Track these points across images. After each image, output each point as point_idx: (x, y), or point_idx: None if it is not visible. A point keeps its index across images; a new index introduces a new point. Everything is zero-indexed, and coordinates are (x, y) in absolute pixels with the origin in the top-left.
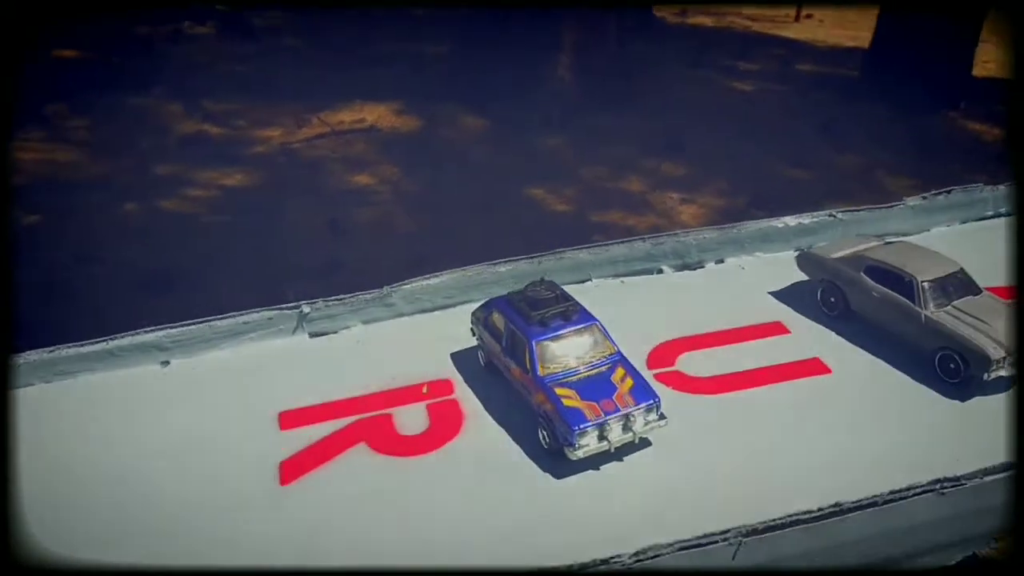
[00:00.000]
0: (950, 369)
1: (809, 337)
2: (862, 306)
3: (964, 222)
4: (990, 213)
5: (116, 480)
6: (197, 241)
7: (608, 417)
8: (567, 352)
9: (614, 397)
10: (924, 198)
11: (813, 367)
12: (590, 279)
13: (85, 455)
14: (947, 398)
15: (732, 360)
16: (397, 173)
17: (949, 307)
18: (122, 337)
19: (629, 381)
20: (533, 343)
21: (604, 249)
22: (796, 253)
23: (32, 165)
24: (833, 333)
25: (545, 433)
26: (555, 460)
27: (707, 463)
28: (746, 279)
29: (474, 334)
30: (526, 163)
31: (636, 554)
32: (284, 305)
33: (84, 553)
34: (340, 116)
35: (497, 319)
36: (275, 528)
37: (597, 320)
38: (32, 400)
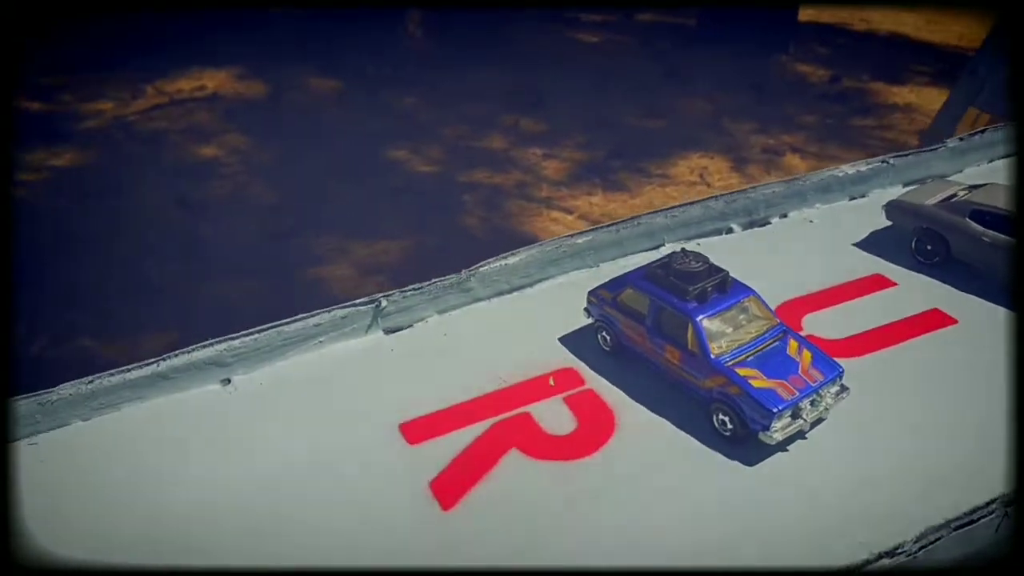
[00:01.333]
0: None
1: (917, 287)
2: (967, 252)
3: (991, 161)
4: (1000, 154)
5: (213, 534)
6: (35, 230)
7: (802, 395)
8: (733, 328)
9: (800, 373)
10: (961, 139)
11: (937, 319)
12: (663, 244)
13: (156, 501)
14: None
15: (853, 319)
16: (247, 143)
17: None
18: (175, 356)
19: (807, 353)
20: (698, 321)
21: (681, 211)
22: (859, 200)
23: None
24: (936, 281)
25: (726, 419)
26: (740, 448)
27: (891, 434)
28: (820, 232)
29: (590, 315)
30: (384, 124)
31: (918, 539)
32: (358, 301)
33: None
34: (178, 84)
35: (634, 297)
36: (452, 563)
37: (754, 290)
38: (70, 442)
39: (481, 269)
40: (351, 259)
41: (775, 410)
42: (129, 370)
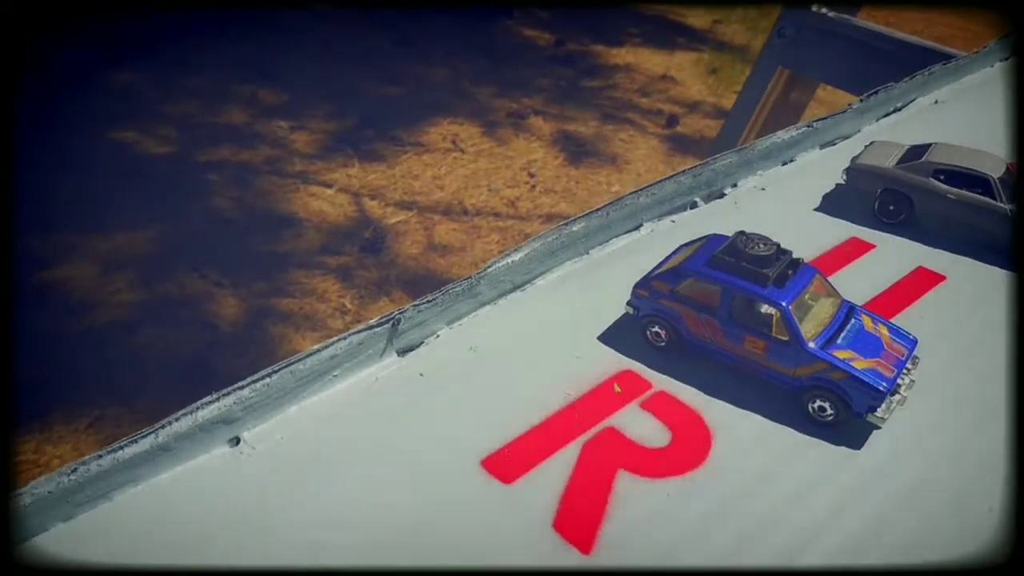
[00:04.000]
0: None
1: (894, 248)
2: (932, 210)
3: (878, 119)
4: (892, 109)
5: None
6: None
7: (899, 371)
8: (813, 310)
9: (887, 348)
10: (862, 100)
11: (927, 277)
12: (642, 224)
13: None
14: None
15: (850, 286)
16: None
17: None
18: (176, 420)
19: (883, 327)
20: (786, 307)
21: (658, 188)
22: (790, 165)
23: None
24: (907, 239)
25: (826, 404)
26: (840, 433)
27: (959, 396)
28: (776, 199)
29: (636, 310)
30: (98, 104)
31: None
32: (371, 322)
33: None
34: None
35: (698, 287)
36: None
37: (817, 269)
38: (52, 549)
39: (489, 271)
40: (91, 256)
41: (884, 390)
42: (121, 448)
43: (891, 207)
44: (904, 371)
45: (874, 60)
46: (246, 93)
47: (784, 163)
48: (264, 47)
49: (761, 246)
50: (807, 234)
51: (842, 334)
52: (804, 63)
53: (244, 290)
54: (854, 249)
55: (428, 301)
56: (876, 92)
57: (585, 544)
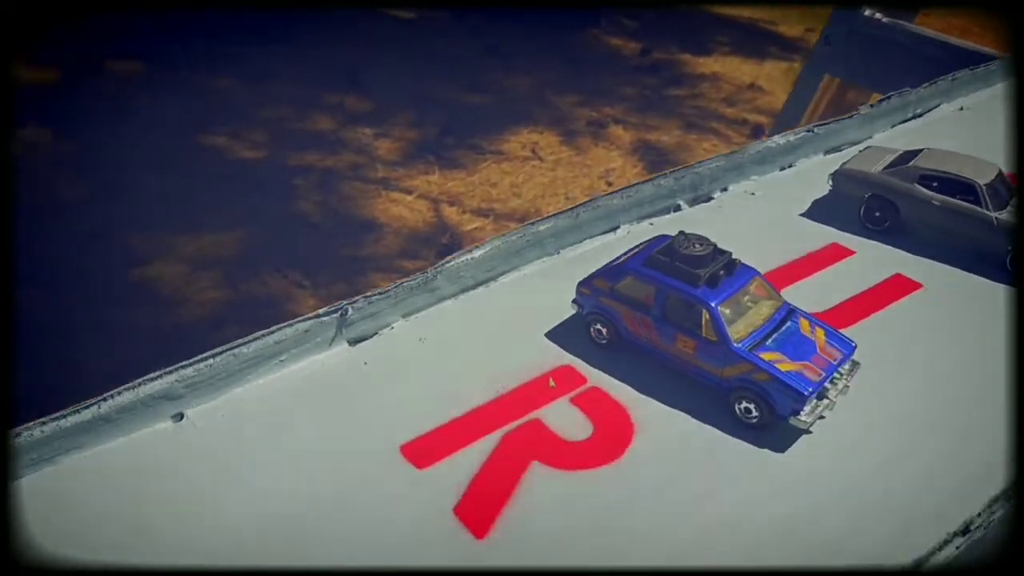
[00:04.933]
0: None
1: (874, 254)
2: (917, 216)
3: (894, 126)
4: (911, 115)
5: None
6: None
7: (827, 375)
8: (744, 311)
9: (819, 352)
10: (872, 106)
11: (903, 284)
12: (619, 226)
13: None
14: None
15: (824, 290)
16: (44, 135)
17: (1008, 208)
18: (119, 393)
19: (820, 331)
20: (714, 307)
21: (635, 190)
22: (790, 170)
23: None
24: (890, 247)
25: (751, 406)
26: (767, 434)
27: (913, 410)
28: (764, 204)
29: (580, 308)
30: (197, 108)
31: (985, 512)
32: (321, 311)
33: None
34: None
35: (636, 286)
36: None
37: (757, 270)
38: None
39: (447, 265)
40: (179, 255)
41: (807, 393)
42: (65, 416)
43: (877, 213)
44: (836, 376)
45: (930, 70)
46: (334, 101)
47: (782, 168)
48: (353, 55)
49: (697, 246)
50: (787, 239)
51: (774, 336)
52: (852, 71)
53: (324, 291)
54: (832, 254)
55: (380, 293)
56: (889, 97)
57: (481, 529)
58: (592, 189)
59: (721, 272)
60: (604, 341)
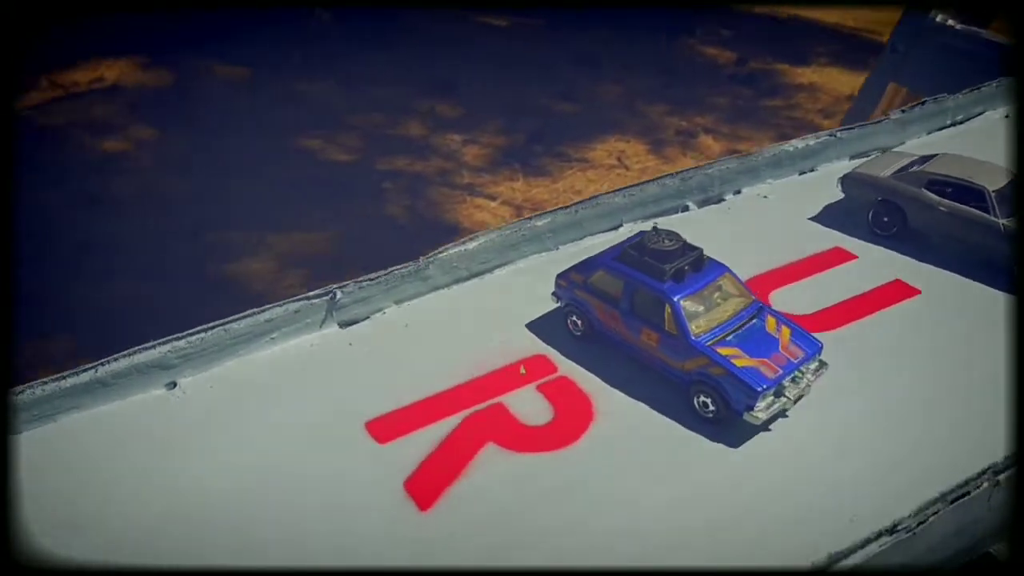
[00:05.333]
0: None
1: (876, 259)
2: (925, 222)
3: (930, 132)
4: (949, 123)
5: (167, 550)
6: None
7: (785, 373)
8: (710, 307)
9: (780, 350)
10: (903, 111)
11: (900, 290)
12: (621, 224)
13: (96, 521)
14: None
15: (818, 293)
16: (155, 135)
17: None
18: (115, 360)
19: (786, 330)
20: (676, 301)
21: (639, 190)
22: (809, 175)
23: None
24: (895, 252)
25: (708, 400)
26: (723, 429)
27: (873, 408)
28: (775, 207)
29: (559, 300)
30: (296, 112)
31: (917, 514)
32: (311, 293)
33: None
34: (74, 76)
35: (606, 279)
36: (436, 565)
37: (727, 267)
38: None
39: (440, 255)
40: (271, 253)
41: (760, 389)
42: (64, 377)
43: (885, 218)
44: (797, 374)
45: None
46: (425, 107)
47: (801, 172)
48: (447, 62)
49: (667, 242)
50: (791, 241)
51: (735, 332)
52: (919, 81)
53: None
54: (833, 258)
55: (370, 279)
56: (923, 103)
57: (426, 502)
58: None
59: (687, 268)
60: (579, 333)
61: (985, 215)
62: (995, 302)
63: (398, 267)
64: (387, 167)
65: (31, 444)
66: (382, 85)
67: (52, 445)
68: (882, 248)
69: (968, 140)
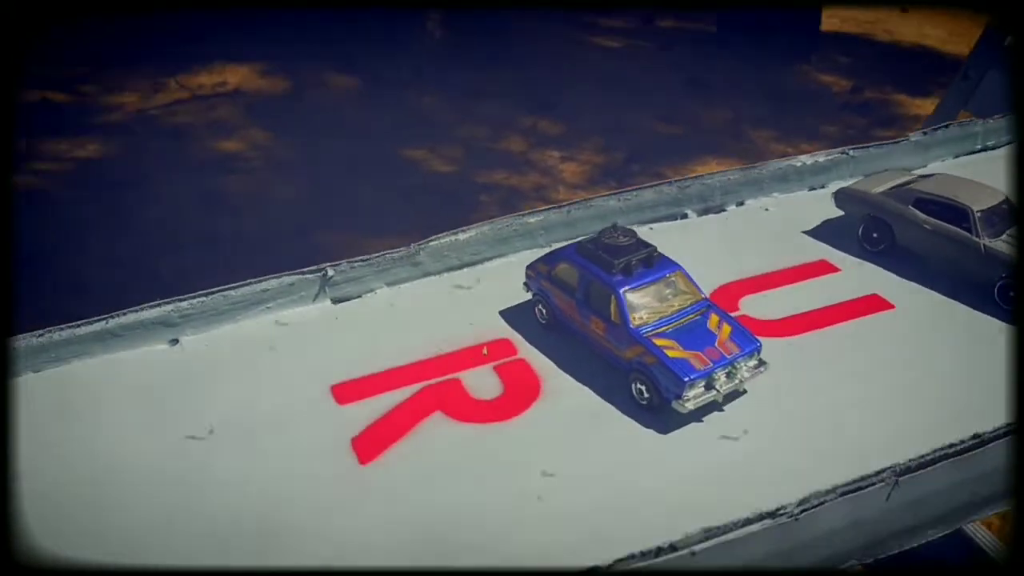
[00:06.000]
0: (1011, 298)
1: (859, 274)
2: (911, 240)
3: (957, 156)
4: (979, 147)
5: (144, 483)
6: (51, 218)
7: (715, 366)
8: (656, 300)
9: (716, 345)
10: (925, 133)
11: (875, 303)
12: (616, 226)
13: (94, 454)
14: (1015, 326)
15: (792, 301)
16: (268, 138)
17: (1005, 235)
18: (123, 314)
19: (727, 327)
20: (620, 292)
21: (634, 195)
22: (819, 191)
23: None
24: (881, 268)
25: (643, 388)
26: (655, 416)
27: (807, 409)
28: (773, 220)
29: (528, 289)
30: (403, 123)
31: (801, 503)
32: (306, 269)
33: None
34: (199, 79)
35: (567, 270)
36: (364, 515)
37: (680, 266)
38: (20, 393)
39: (431, 243)
40: (363, 255)
41: (686, 379)
42: (78, 326)
43: (874, 234)
44: (727, 368)
45: None
46: (527, 123)
47: (812, 188)
48: (553, 81)
49: (622, 238)
50: (779, 252)
51: (676, 326)
52: (988, 109)
53: None
54: (816, 270)
55: (362, 260)
56: (947, 126)
57: (366, 457)
58: None
59: (637, 262)
60: (544, 321)
61: (967, 234)
62: (968, 321)
63: (390, 251)
64: (485, 180)
65: (47, 381)
66: (488, 100)
67: (64, 384)
68: (869, 264)
69: (994, 166)
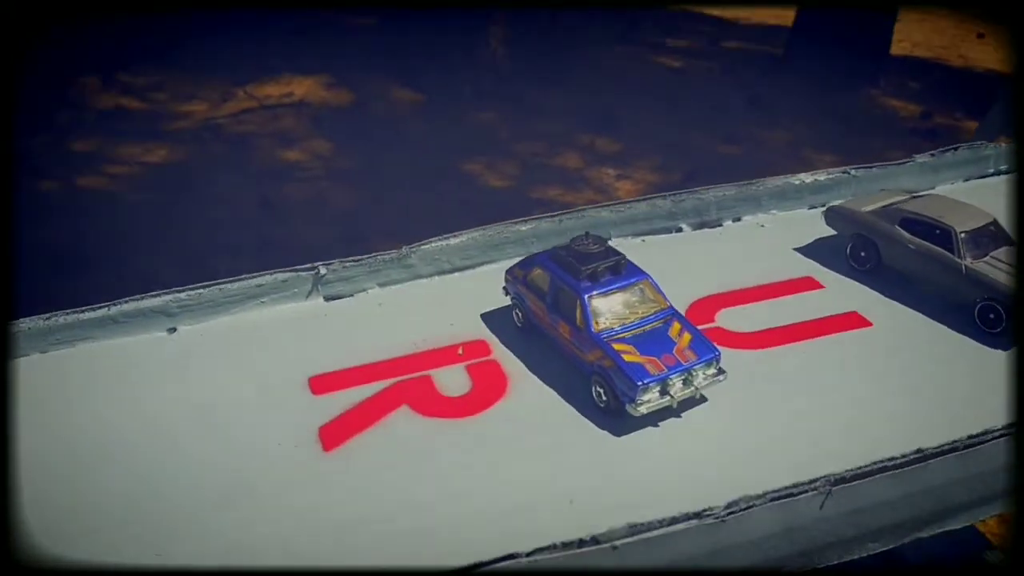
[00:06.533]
0: (990, 319)
1: (843, 291)
2: (896, 259)
3: (967, 179)
4: (991, 171)
5: (128, 455)
6: (117, 219)
7: (671, 372)
8: (620, 307)
9: (674, 352)
10: (933, 155)
11: (853, 320)
12: (609, 238)
13: (89, 429)
14: (990, 348)
15: (770, 315)
16: (329, 149)
17: (987, 257)
18: (125, 302)
19: (687, 336)
20: (585, 298)
21: (627, 207)
22: (818, 209)
23: None
24: (866, 287)
25: (601, 391)
26: (612, 419)
27: (765, 418)
28: (768, 236)
29: (507, 293)
30: (461, 137)
31: (728, 507)
32: (299, 267)
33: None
34: (267, 89)
35: (539, 276)
36: (324, 498)
37: (648, 275)
38: (27, 372)
39: (423, 247)
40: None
41: (640, 383)
42: (82, 311)
43: (862, 253)
44: (684, 375)
45: None
46: (585, 140)
47: (812, 207)
48: (614, 100)
49: (592, 246)
50: (766, 268)
51: (636, 332)
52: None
53: None
54: (799, 286)
55: (354, 260)
56: (956, 148)
57: (330, 445)
58: None
59: (604, 269)
60: (520, 324)
61: (949, 254)
62: (942, 341)
63: (382, 253)
64: (539, 195)
65: (54, 362)
66: (547, 117)
67: (68, 365)
68: (854, 282)
69: (1006, 190)
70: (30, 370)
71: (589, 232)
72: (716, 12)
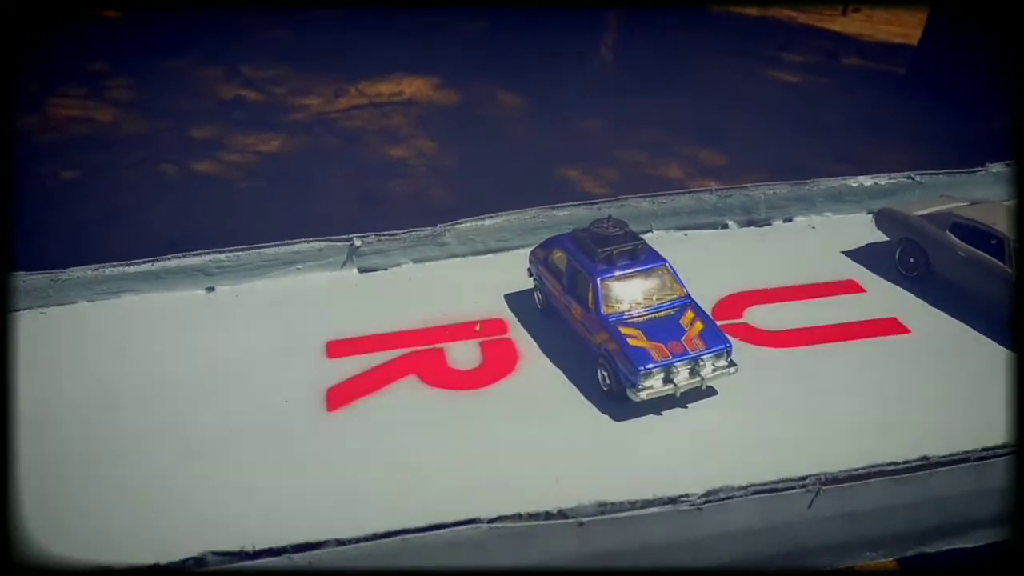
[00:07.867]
0: None
1: (886, 297)
2: (944, 266)
3: None
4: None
5: (151, 397)
6: (228, 205)
7: (675, 359)
8: (633, 292)
9: (682, 340)
10: (1008, 165)
11: (890, 326)
12: (651, 230)
13: (118, 373)
14: None
15: (803, 316)
16: (434, 147)
17: None
18: (168, 259)
19: (699, 325)
20: (597, 280)
21: (669, 199)
22: (872, 213)
23: (71, 122)
24: (912, 295)
25: (606, 374)
26: (615, 403)
27: (771, 416)
28: (816, 238)
29: (531, 274)
30: (564, 143)
31: (707, 494)
32: (335, 237)
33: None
34: (379, 88)
35: (559, 257)
36: (319, 454)
37: (667, 261)
38: (73, 317)
39: (457, 226)
40: None
41: (641, 368)
42: (128, 265)
43: (911, 259)
44: (690, 364)
45: None
46: (690, 152)
47: (870, 212)
48: (723, 113)
49: (612, 230)
50: (806, 269)
51: (647, 318)
52: None
53: None
54: (840, 288)
55: (389, 234)
56: None
57: (335, 405)
58: None
59: (620, 253)
60: (540, 305)
61: (997, 262)
62: (979, 352)
63: (418, 229)
64: None
65: (100, 310)
66: (652, 127)
67: (112, 314)
68: (901, 289)
69: None
70: (76, 316)
71: (611, 215)
72: (836, 27)
